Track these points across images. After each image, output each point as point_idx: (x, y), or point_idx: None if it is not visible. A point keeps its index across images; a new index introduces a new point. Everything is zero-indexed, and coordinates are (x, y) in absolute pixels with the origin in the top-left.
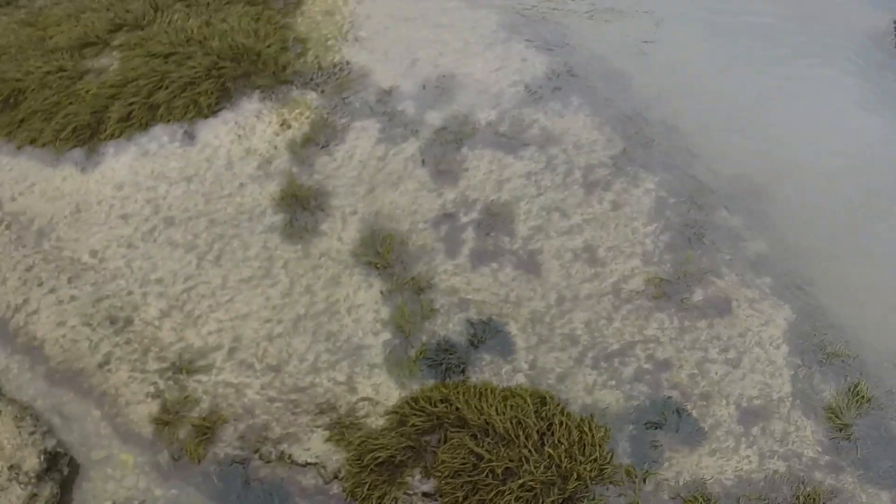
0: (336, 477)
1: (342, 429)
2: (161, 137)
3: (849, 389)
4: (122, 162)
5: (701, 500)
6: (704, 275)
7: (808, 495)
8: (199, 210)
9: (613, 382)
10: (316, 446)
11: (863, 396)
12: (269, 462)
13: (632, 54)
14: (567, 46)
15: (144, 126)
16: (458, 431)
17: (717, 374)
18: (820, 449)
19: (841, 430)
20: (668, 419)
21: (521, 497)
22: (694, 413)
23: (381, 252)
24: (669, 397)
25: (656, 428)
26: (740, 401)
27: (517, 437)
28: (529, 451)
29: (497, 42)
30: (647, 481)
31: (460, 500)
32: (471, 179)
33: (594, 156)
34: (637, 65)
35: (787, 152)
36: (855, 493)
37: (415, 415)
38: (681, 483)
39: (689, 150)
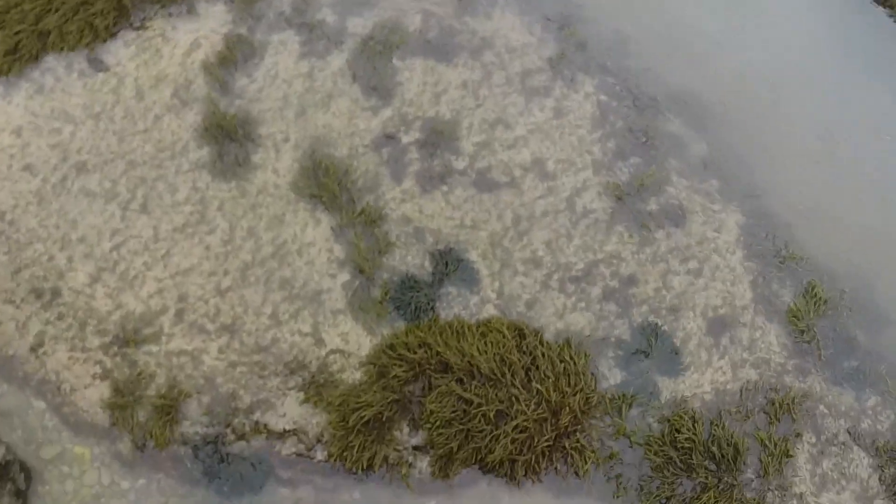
0: (319, 441)
1: (317, 388)
2: (56, 69)
3: (806, 291)
4: (15, 103)
5: (685, 417)
6: (656, 183)
7: (782, 401)
8: (113, 152)
9: (583, 304)
10: (292, 411)
11: (819, 298)
12: (242, 435)
13: None
14: None
15: (35, 58)
16: (443, 377)
17: (681, 285)
18: (786, 354)
19: (802, 332)
20: (645, 340)
21: (515, 439)
22: (666, 328)
23: (323, 182)
24: (645, 320)
25: (634, 351)
26: (706, 311)
27: (503, 375)
28: (518, 389)
29: None
30: (632, 406)
31: (455, 449)
32: (406, 94)
33: (529, 59)
34: None
35: (726, 56)
36: (822, 395)
37: (395, 365)
38: (664, 403)
39: (626, 53)
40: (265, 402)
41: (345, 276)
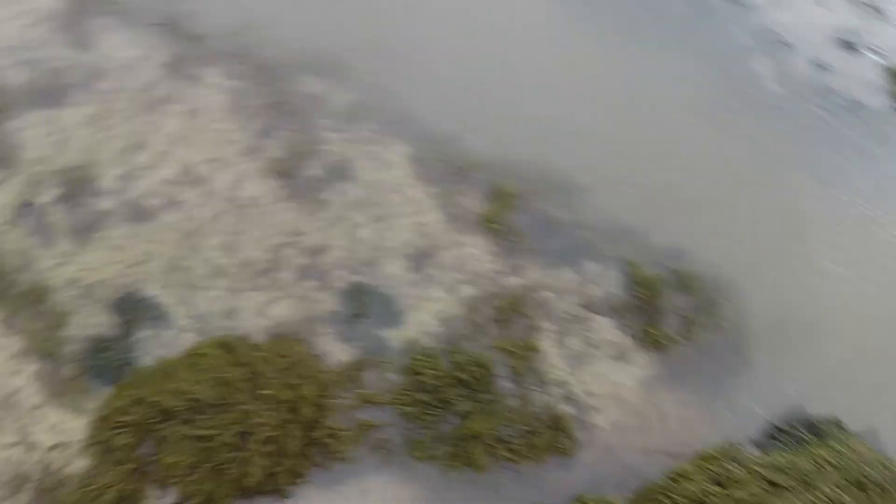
0: None
1: (48, 494)
2: None
3: (493, 193)
4: None
5: (424, 358)
6: (311, 147)
7: (508, 304)
8: None
9: (280, 293)
10: None
11: (508, 194)
12: None
13: None
14: None
15: None
16: (169, 424)
17: (370, 236)
18: (495, 258)
19: (500, 232)
20: (354, 303)
21: (266, 453)
22: (370, 282)
23: None
24: (347, 283)
25: (349, 317)
26: (404, 250)
27: (228, 396)
28: (248, 403)
29: None
30: (367, 370)
31: (213, 490)
32: (29, 155)
33: (146, 73)
34: None
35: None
36: (543, 280)
37: (116, 435)
38: (395, 352)
39: (244, 32)
40: None
41: (31, 367)
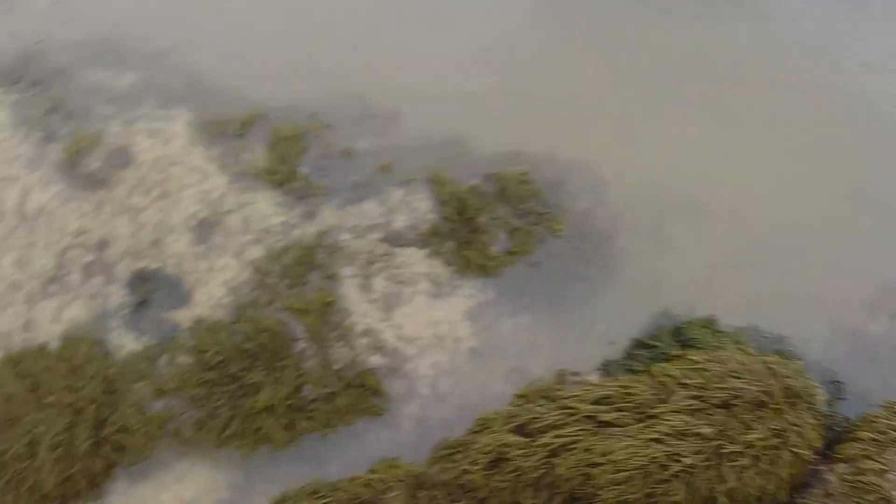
0: None
1: None
2: None
3: (273, 140)
4: None
5: (208, 335)
6: (90, 142)
7: (299, 258)
8: None
9: (70, 296)
10: None
11: (291, 136)
12: None
13: None
14: None
15: None
16: None
17: (152, 217)
18: (284, 209)
19: (289, 179)
20: (136, 289)
21: (57, 458)
22: (155, 265)
23: None
24: (131, 271)
25: (136, 305)
26: (187, 223)
27: (12, 412)
28: (32, 414)
29: None
30: (158, 358)
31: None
32: None
33: None
34: None
35: None
36: (340, 223)
37: None
38: (185, 334)
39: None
40: None
41: None
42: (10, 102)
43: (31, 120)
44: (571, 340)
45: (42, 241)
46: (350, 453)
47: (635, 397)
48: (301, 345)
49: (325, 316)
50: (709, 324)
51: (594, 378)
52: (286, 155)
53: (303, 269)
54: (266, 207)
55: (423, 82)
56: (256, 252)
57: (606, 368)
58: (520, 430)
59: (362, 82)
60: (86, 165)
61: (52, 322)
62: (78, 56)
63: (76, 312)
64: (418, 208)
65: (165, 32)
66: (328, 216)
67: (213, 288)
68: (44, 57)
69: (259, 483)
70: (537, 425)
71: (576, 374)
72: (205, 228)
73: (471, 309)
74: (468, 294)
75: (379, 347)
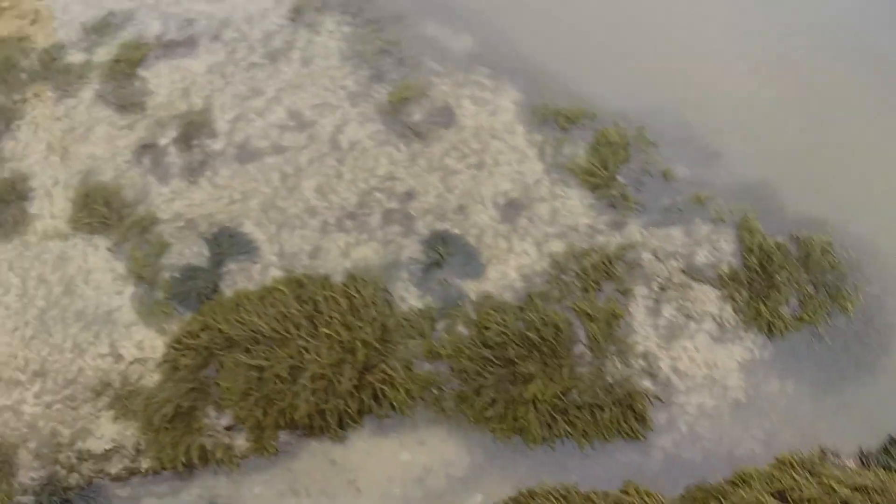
0: (139, 451)
1: (123, 402)
2: None
3: (598, 142)
4: None
5: (494, 313)
6: (417, 91)
7: (597, 263)
8: None
9: (365, 236)
10: (107, 430)
11: (616, 143)
12: (72, 468)
13: None
14: None
15: None
16: (230, 352)
17: (464, 183)
18: (594, 213)
19: (603, 185)
20: (434, 249)
21: (315, 389)
22: (456, 231)
23: (94, 209)
24: (432, 230)
25: (428, 264)
26: (497, 199)
27: (287, 331)
28: (305, 339)
29: None
30: (437, 320)
31: (261, 417)
32: (157, 100)
33: (268, 22)
34: None
35: None
36: (645, 241)
37: (182, 355)
38: (470, 306)
39: None
40: (83, 430)
41: (130, 289)
42: (344, 34)
43: (361, 55)
44: (831, 419)
45: (349, 175)
46: (596, 469)
47: (890, 497)
48: (580, 348)
49: (611, 328)
50: None
51: (852, 464)
52: (608, 160)
53: (600, 276)
54: (577, 206)
55: (748, 126)
56: (558, 246)
57: (861, 457)
58: (779, 495)
59: (692, 111)
60: (408, 114)
61: (340, 256)
62: (418, 5)
63: (367, 253)
64: (722, 249)
65: (505, 9)
66: (634, 231)
67: (508, 269)
68: None
69: (496, 470)
70: (796, 495)
71: (836, 454)
72: (512, 209)
73: (746, 362)
74: (748, 346)
75: (653, 374)
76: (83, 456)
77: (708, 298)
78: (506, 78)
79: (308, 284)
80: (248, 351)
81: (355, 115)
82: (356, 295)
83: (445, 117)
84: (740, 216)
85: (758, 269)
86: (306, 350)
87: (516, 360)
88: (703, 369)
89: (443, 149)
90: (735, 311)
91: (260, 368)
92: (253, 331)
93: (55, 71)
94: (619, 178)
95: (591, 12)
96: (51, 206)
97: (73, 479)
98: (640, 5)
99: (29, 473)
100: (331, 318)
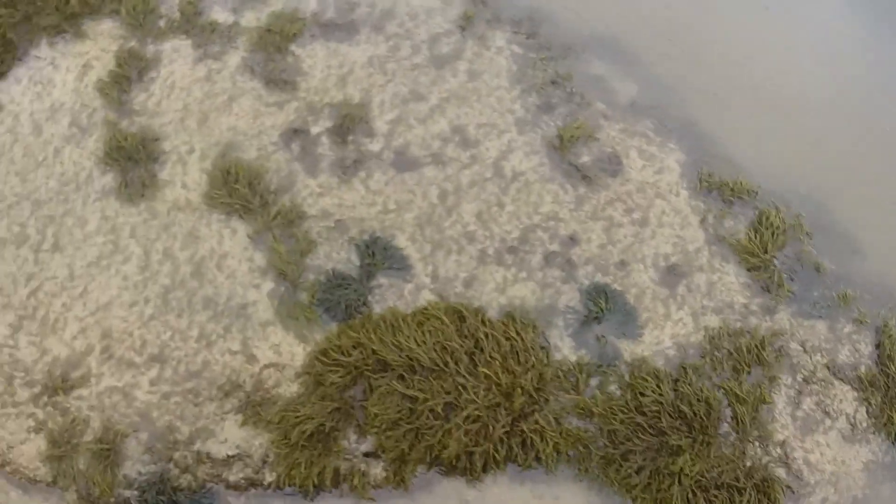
0: (265, 463)
1: (255, 408)
2: None
3: (760, 222)
4: None
5: (649, 379)
6: (587, 132)
7: (750, 345)
8: (17, 193)
9: (524, 274)
10: (232, 435)
11: (776, 227)
12: (186, 468)
13: None
14: None
15: None
16: (383, 376)
17: (626, 238)
18: (748, 293)
19: (760, 268)
20: (595, 303)
21: (468, 430)
22: (617, 286)
23: (234, 189)
24: (592, 281)
25: (586, 316)
26: (658, 261)
27: (447, 365)
28: (464, 377)
29: None
30: (591, 375)
31: (406, 450)
32: (310, 82)
33: (435, 24)
34: None
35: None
36: (793, 331)
37: (331, 371)
38: (624, 367)
39: (536, 4)
40: (204, 430)
41: (269, 285)
42: (514, 54)
43: (530, 81)
44: None
45: (511, 207)
46: None
47: None
48: (724, 428)
49: (756, 412)
50: None
51: None
52: (767, 243)
53: (750, 359)
54: (733, 282)
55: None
56: (713, 321)
57: None
58: None
59: (846, 206)
60: (575, 154)
61: (496, 290)
62: (588, 39)
63: (524, 293)
64: (861, 351)
65: (675, 61)
66: (784, 319)
67: (663, 335)
68: (556, 26)
69: None
70: None
71: None
72: (672, 274)
73: (869, 464)
74: (873, 449)
75: (787, 463)
76: (201, 458)
77: (846, 398)
78: (672, 135)
79: (469, 318)
80: (403, 378)
81: (521, 143)
82: (517, 338)
83: (613, 165)
84: (882, 321)
85: (894, 376)
86: (464, 388)
87: (668, 430)
88: (831, 465)
89: (608, 198)
90: (868, 413)
91: (414, 399)
92: (410, 358)
93: (198, 27)
94: (776, 262)
95: (764, 89)
96: (183, 175)
97: (185, 480)
98: (816, 91)
99: (136, 467)
100: (492, 358)
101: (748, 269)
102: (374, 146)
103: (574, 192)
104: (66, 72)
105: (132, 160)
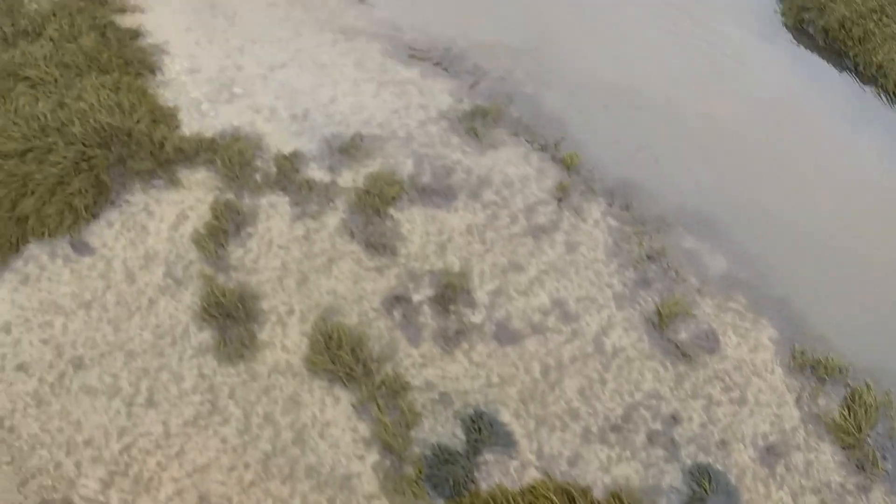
0: None
1: None
2: (40, 257)
3: (853, 400)
4: (0, 297)
5: None
6: (683, 308)
7: None
8: (109, 343)
9: (628, 453)
10: None
11: (869, 405)
12: None
13: (539, 76)
14: (465, 65)
15: (16, 246)
16: None
17: (726, 416)
18: (844, 472)
19: (855, 446)
20: (698, 483)
21: None
22: (718, 466)
23: (337, 355)
24: (695, 461)
25: (690, 497)
26: (756, 440)
27: None
28: None
29: (388, 75)
30: None
31: None
32: (410, 248)
33: (530, 192)
34: (548, 80)
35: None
36: None
37: None
38: None
39: (628, 171)
40: None
41: (373, 457)
42: (610, 227)
43: (627, 255)
44: None
45: (613, 384)
46: None
47: None
48: None
49: None
50: None
51: None
52: (861, 421)
53: None
54: (829, 461)
55: None
56: (811, 501)
57: None
58: None
59: None
60: (673, 331)
61: (600, 469)
62: (677, 212)
63: (628, 472)
64: None
65: (763, 237)
66: (879, 498)
67: None
68: (648, 198)
69: None
70: None
71: None
72: (771, 454)
73: None
74: None
75: None
76: None
77: None
78: (763, 311)
79: (578, 499)
80: None
81: (620, 319)
82: None
83: (710, 342)
84: None
85: None
86: None
87: None
88: None
89: (707, 376)
90: None
91: None
92: None
93: (294, 183)
94: (869, 440)
95: (850, 266)
96: (283, 337)
97: None
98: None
99: None
100: None
101: (843, 448)
102: (476, 317)
103: (674, 370)
104: (160, 220)
105: (231, 318)
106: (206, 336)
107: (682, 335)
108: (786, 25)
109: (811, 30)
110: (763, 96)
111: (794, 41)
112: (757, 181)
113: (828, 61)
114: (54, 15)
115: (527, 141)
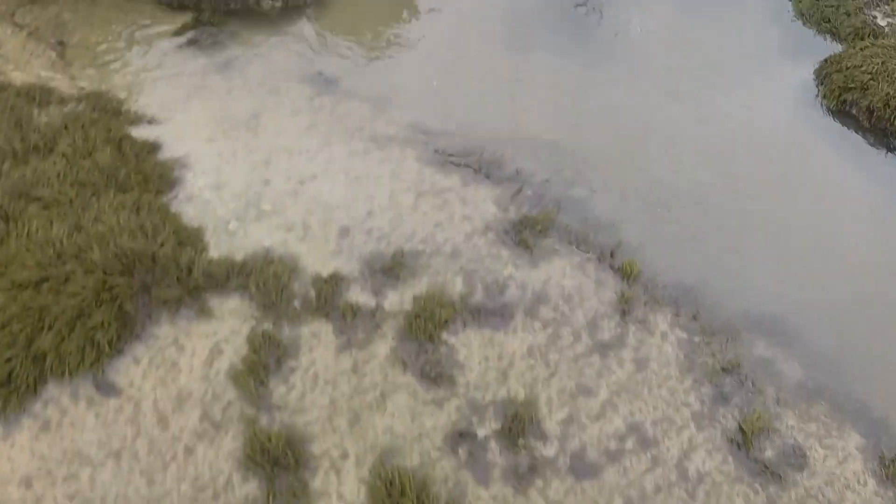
0: None
1: None
2: (60, 399)
3: None
4: (18, 446)
5: None
6: (765, 423)
7: None
8: (143, 497)
9: None
10: None
11: None
12: None
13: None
14: (506, 168)
15: (33, 387)
16: None
17: None
18: None
19: None
20: None
21: None
22: None
23: (400, 503)
24: None
25: None
26: None
27: None
28: None
29: (426, 185)
30: None
31: None
32: (469, 376)
33: (590, 306)
34: (596, 182)
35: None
36: None
37: None
38: None
39: (691, 277)
40: None
41: None
42: (679, 339)
43: (701, 370)
44: None
45: None
46: None
47: None
48: None
49: None
50: None
51: None
52: None
53: None
54: None
55: None
56: None
57: None
58: None
59: None
60: (759, 449)
61: None
62: (747, 319)
63: None
64: None
65: (836, 338)
66: None
67: None
68: (715, 305)
69: None
70: None
71: None
72: None
73: None
74: None
75: None
76: None
77: None
78: (846, 417)
79: None
80: None
81: (702, 440)
82: None
83: (797, 458)
84: None
85: None
86: None
87: None
88: None
89: (799, 495)
90: None
91: None
92: None
93: (337, 309)
94: None
95: None
96: (339, 485)
97: None
98: None
99: None
100: None
101: None
102: (548, 450)
103: (764, 493)
104: (192, 355)
105: (279, 465)
106: (251, 487)
107: (769, 453)
108: (828, 109)
109: (854, 110)
110: (814, 186)
111: (838, 123)
112: (819, 277)
113: (873, 142)
114: (66, 128)
115: (580, 250)
